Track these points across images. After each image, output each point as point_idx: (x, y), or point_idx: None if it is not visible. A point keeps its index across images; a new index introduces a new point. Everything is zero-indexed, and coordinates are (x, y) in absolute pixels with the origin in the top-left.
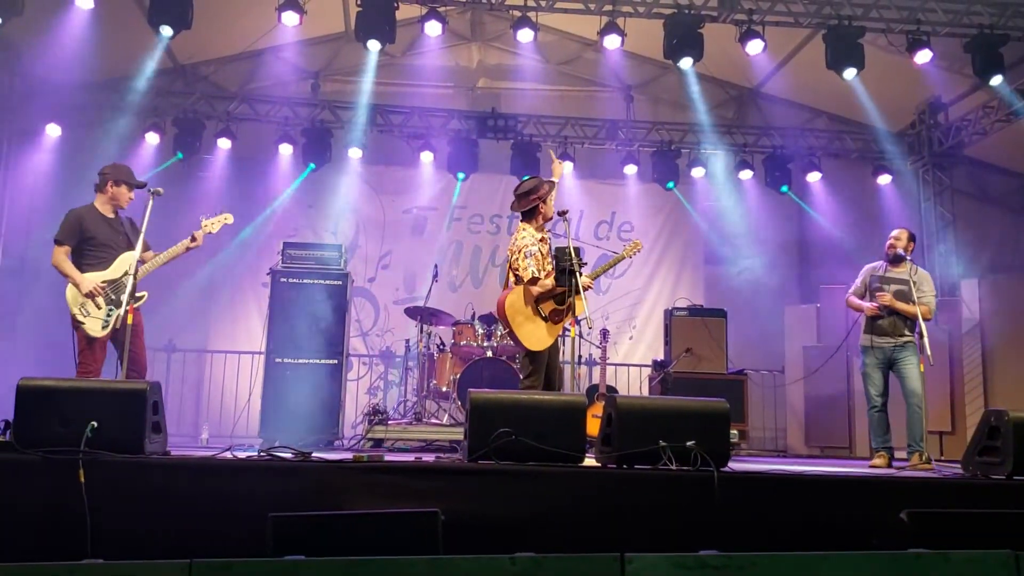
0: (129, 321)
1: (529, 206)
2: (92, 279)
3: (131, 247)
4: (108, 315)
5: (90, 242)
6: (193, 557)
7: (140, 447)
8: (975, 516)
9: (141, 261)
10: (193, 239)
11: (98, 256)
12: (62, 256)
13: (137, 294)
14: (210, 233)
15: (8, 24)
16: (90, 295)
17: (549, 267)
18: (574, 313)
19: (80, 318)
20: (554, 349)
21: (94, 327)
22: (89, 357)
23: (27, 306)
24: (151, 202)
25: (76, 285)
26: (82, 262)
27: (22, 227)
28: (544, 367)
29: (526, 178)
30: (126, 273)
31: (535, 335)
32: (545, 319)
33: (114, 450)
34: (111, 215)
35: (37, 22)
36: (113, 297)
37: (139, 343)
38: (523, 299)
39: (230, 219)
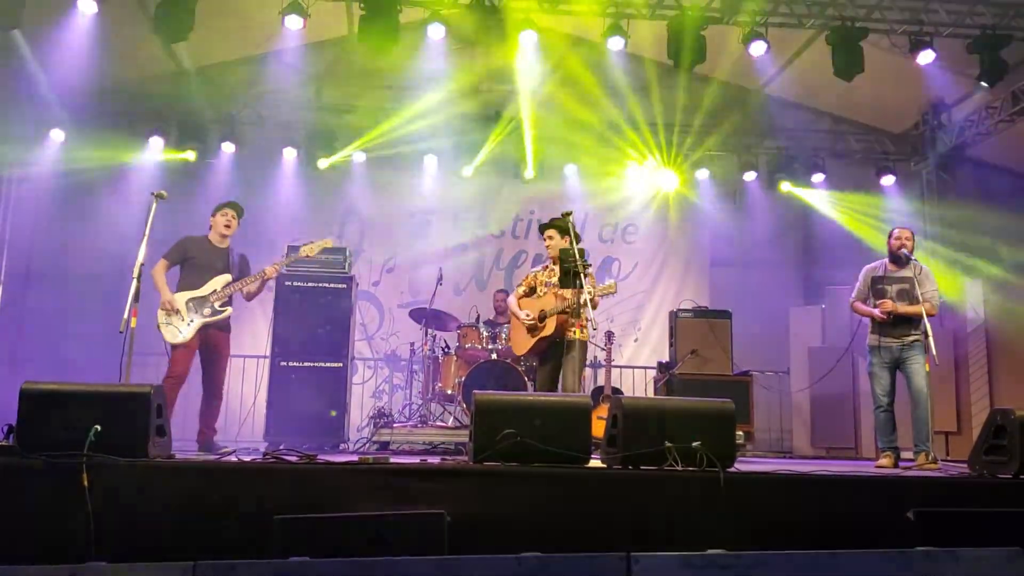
0: (133, 324)
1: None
2: (177, 296)
3: (229, 272)
4: (188, 324)
5: (189, 262)
6: (197, 559)
7: (144, 450)
8: (982, 515)
9: (213, 271)
10: (264, 274)
11: (191, 276)
12: (159, 268)
13: (219, 308)
14: (308, 257)
15: (11, 30)
16: (166, 309)
17: (543, 292)
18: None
19: (161, 324)
20: (555, 353)
21: (171, 334)
22: (172, 361)
23: (31, 311)
24: (154, 205)
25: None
26: (181, 279)
27: (27, 233)
28: (542, 370)
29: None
30: (214, 291)
31: (515, 339)
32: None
33: (118, 453)
34: (221, 245)
35: (41, 27)
36: (198, 310)
37: (221, 363)
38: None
39: (330, 243)
